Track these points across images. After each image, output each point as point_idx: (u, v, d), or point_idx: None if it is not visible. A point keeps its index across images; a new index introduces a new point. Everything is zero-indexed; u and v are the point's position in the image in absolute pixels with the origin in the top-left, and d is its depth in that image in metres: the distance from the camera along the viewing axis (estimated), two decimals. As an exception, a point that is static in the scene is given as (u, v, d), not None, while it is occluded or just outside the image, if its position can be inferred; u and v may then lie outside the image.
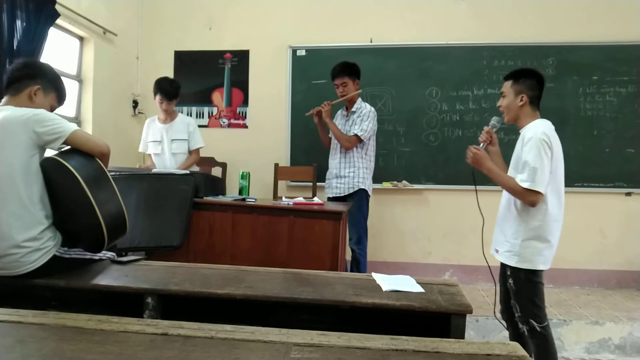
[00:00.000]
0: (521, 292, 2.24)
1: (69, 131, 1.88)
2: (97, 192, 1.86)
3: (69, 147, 1.93)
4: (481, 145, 2.44)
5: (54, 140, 1.86)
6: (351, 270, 3.49)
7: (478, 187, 2.39)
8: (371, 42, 4.42)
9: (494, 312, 2.49)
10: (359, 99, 3.64)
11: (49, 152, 1.94)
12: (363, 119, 3.51)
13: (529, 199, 2.15)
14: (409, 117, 4.36)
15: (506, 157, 2.48)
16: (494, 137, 2.48)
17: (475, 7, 4.32)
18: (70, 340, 1.27)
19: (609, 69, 4.13)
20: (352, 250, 3.53)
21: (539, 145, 2.12)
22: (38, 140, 1.84)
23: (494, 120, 2.49)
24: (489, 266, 2.42)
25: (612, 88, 4.13)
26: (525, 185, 2.12)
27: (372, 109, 3.59)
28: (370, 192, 3.64)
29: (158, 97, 3.58)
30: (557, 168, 2.20)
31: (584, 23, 4.19)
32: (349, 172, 3.56)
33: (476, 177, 2.43)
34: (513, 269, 2.25)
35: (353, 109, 3.60)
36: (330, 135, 3.72)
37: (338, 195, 3.60)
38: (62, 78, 2.16)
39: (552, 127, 2.24)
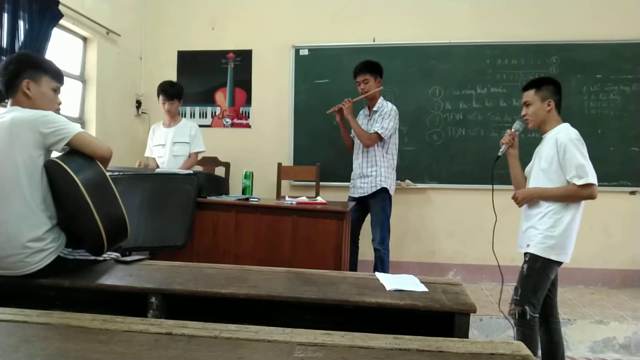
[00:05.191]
0: (530, 277, 2.33)
1: (73, 133, 1.88)
2: (96, 196, 1.83)
3: (71, 149, 1.92)
4: (503, 147, 2.57)
5: (58, 141, 1.86)
6: (375, 269, 3.50)
7: (491, 187, 2.46)
8: (374, 41, 4.42)
9: (508, 311, 2.53)
10: (381, 98, 3.63)
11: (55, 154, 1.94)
12: (384, 117, 3.51)
13: (586, 193, 2.25)
14: (412, 116, 4.35)
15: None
16: (516, 140, 2.58)
17: (479, 6, 4.31)
18: (75, 340, 1.27)
19: (613, 67, 4.11)
20: (376, 250, 3.54)
21: (577, 145, 2.26)
22: (43, 141, 1.84)
23: (517, 124, 2.60)
24: (499, 265, 2.51)
25: (616, 86, 4.11)
26: (581, 182, 2.22)
27: (394, 107, 3.58)
28: (392, 192, 3.62)
29: (160, 98, 3.69)
30: None
31: (587, 21, 4.17)
32: (371, 171, 3.56)
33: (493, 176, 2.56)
34: (532, 256, 2.33)
35: (375, 108, 3.60)
36: (352, 136, 3.72)
37: (362, 195, 3.59)
38: (65, 77, 2.14)
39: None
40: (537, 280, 2.31)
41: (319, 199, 3.24)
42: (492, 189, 2.53)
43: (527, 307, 2.29)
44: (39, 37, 3.05)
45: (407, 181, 4.34)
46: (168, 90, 3.66)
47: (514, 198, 2.47)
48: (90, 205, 1.80)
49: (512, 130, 2.58)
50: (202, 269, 2.08)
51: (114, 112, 4.25)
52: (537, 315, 2.31)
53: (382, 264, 3.53)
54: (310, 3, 4.52)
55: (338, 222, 2.80)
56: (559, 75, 4.15)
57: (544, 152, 2.38)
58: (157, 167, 3.69)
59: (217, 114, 4.69)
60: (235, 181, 4.10)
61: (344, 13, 4.46)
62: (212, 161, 4.29)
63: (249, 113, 4.66)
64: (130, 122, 4.57)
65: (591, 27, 4.15)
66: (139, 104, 4.64)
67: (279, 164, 4.27)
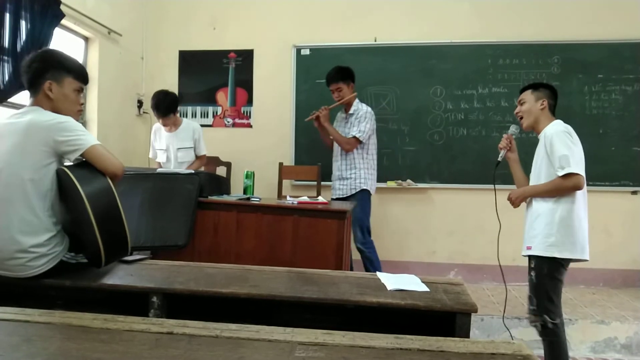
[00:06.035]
0: (541, 284, 2.28)
1: (88, 145, 1.83)
2: (100, 212, 1.78)
3: (84, 160, 1.87)
4: (501, 152, 2.55)
5: (71, 151, 1.82)
6: (366, 270, 3.50)
7: (494, 190, 2.47)
8: (375, 41, 4.42)
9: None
10: (356, 101, 3.68)
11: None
12: (360, 120, 3.56)
13: (570, 184, 2.21)
14: (413, 116, 4.35)
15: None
16: (514, 144, 2.57)
17: (479, 5, 4.31)
18: (76, 339, 1.27)
19: (614, 67, 4.11)
20: (361, 251, 3.55)
21: (562, 137, 2.23)
22: (56, 148, 1.80)
23: (513, 128, 2.62)
24: (500, 265, 2.51)
25: (618, 86, 4.11)
26: (562, 172, 2.19)
27: (369, 109, 3.63)
28: (373, 191, 3.66)
29: (154, 113, 3.59)
30: (582, 158, 2.29)
31: (588, 21, 4.17)
32: (350, 174, 3.61)
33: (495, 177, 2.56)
34: (537, 260, 2.29)
35: (351, 111, 3.65)
36: (331, 138, 3.75)
37: (341, 196, 3.65)
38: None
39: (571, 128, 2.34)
40: (549, 286, 2.26)
41: (320, 198, 3.24)
42: (495, 194, 2.51)
43: (545, 317, 2.24)
44: (40, 36, 3.06)
45: (408, 181, 4.34)
46: (160, 108, 3.48)
47: (509, 199, 2.46)
48: (92, 219, 1.75)
49: (509, 133, 2.58)
50: (203, 268, 2.08)
51: (115, 112, 4.25)
52: (558, 320, 2.25)
53: (370, 263, 3.53)
54: (312, 3, 4.52)
55: (339, 222, 2.80)
56: (560, 75, 4.15)
57: (540, 150, 2.38)
58: (160, 166, 3.69)
59: (218, 113, 4.69)
60: (237, 181, 4.10)
61: (345, 13, 4.46)
62: (214, 161, 4.29)
63: (250, 113, 4.66)
64: (132, 121, 4.58)
65: (592, 26, 4.15)
66: (140, 103, 4.64)
67: (280, 164, 4.27)
